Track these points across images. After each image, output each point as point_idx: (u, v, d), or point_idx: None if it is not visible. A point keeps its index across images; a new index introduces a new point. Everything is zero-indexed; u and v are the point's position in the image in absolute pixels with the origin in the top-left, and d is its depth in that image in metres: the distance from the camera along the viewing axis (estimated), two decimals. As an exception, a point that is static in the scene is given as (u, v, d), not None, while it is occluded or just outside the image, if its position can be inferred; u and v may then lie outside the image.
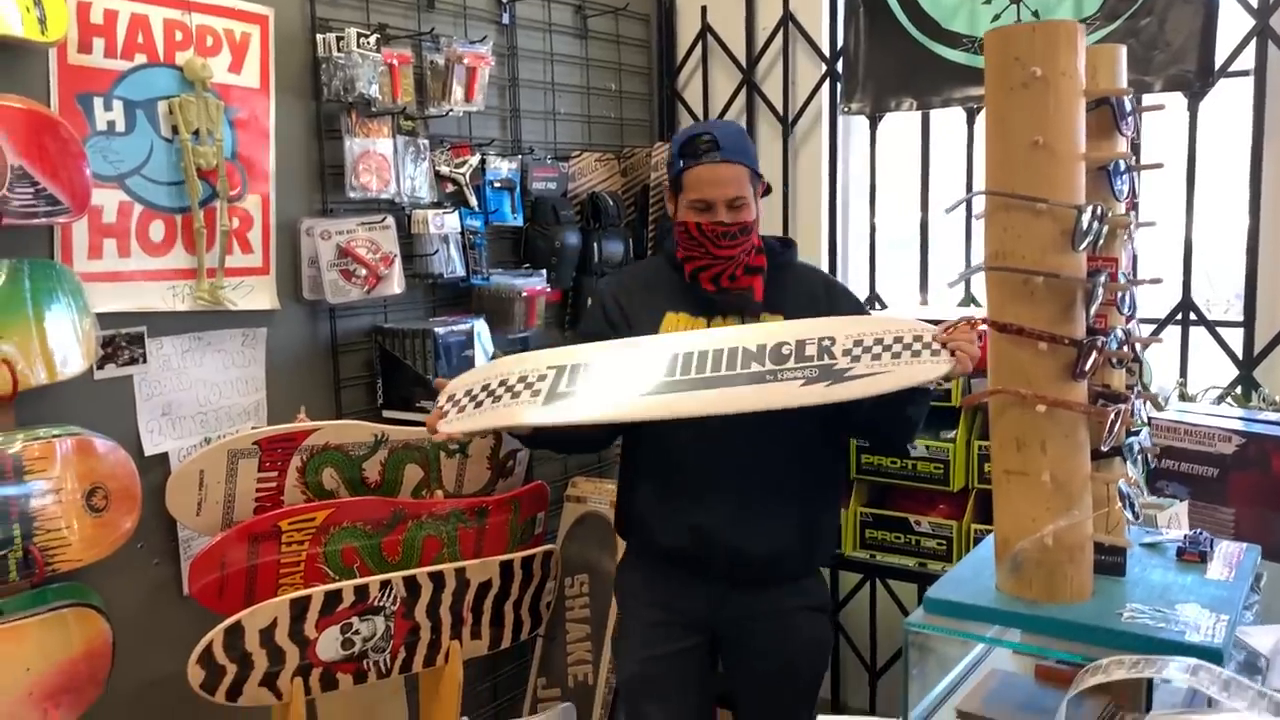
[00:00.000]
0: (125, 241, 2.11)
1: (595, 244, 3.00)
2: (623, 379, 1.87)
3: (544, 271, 2.85)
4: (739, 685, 2.17)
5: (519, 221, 2.86)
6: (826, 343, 1.81)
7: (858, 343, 1.79)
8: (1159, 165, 1.67)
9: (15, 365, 1.87)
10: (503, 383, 1.93)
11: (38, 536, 1.89)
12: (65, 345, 1.95)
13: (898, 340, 1.77)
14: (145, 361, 2.17)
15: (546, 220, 2.90)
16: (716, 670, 2.19)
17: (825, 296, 2.10)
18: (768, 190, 2.11)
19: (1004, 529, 1.54)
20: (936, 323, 1.79)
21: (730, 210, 1.98)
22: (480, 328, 2.64)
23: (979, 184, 1.55)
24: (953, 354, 1.73)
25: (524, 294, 2.75)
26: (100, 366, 2.09)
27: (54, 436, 1.92)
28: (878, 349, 1.77)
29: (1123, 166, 1.57)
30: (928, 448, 2.61)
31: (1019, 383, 1.48)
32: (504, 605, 2.41)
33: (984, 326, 1.57)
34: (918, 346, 1.75)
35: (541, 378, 1.91)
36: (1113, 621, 1.44)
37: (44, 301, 1.92)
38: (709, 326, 2.03)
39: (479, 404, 1.91)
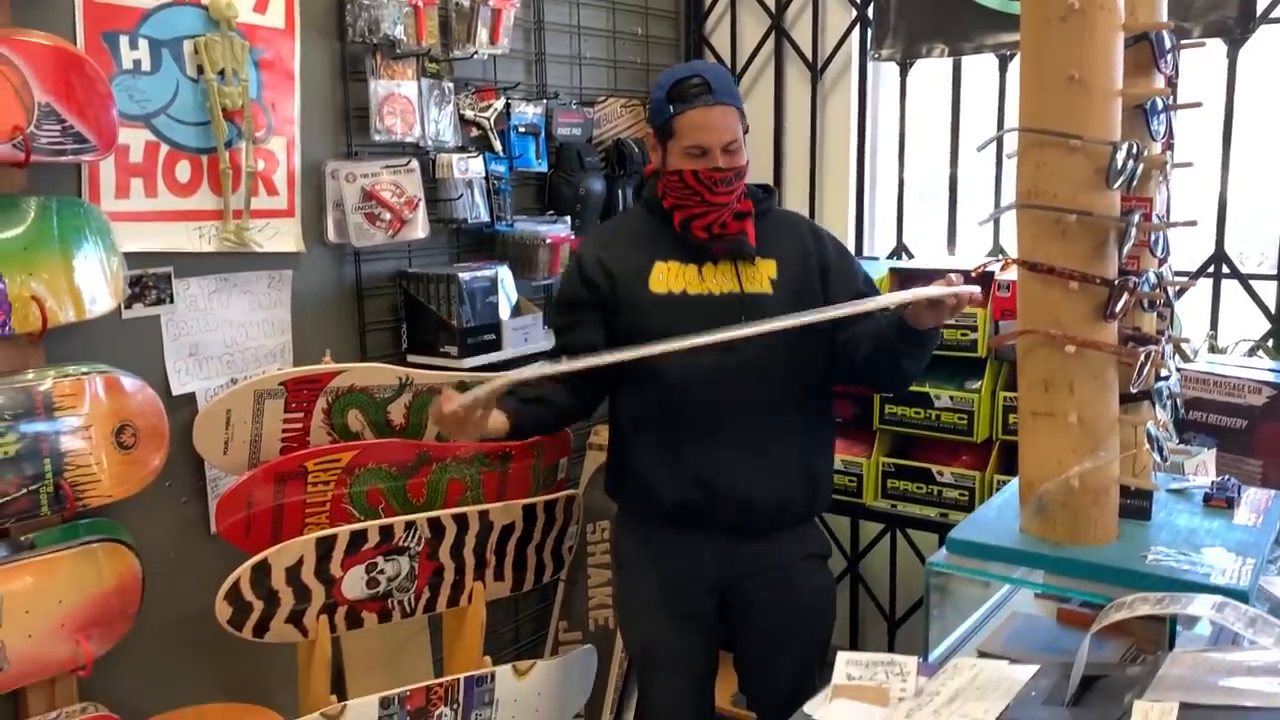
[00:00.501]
0: (152, 181, 2.12)
1: (620, 191, 2.98)
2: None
3: (568, 218, 2.84)
4: (749, 644, 2.14)
5: (543, 167, 2.85)
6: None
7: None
8: (1198, 104, 1.64)
9: (45, 302, 1.88)
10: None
11: (68, 472, 1.91)
12: (93, 284, 1.95)
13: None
14: (172, 302, 2.18)
15: (571, 166, 2.88)
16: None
17: (813, 242, 2.09)
18: (746, 130, 2.08)
19: (1029, 470, 1.53)
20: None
21: (726, 155, 1.94)
22: (504, 274, 2.64)
23: (1017, 123, 1.52)
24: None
25: (548, 241, 2.73)
26: (128, 306, 2.10)
27: (83, 374, 1.94)
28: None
29: (1160, 105, 1.54)
30: (952, 398, 2.60)
31: (1048, 323, 1.47)
32: (526, 548, 2.43)
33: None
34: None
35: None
36: (1137, 563, 1.44)
37: (72, 240, 1.93)
38: (700, 273, 2.01)
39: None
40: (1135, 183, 1.47)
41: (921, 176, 3.12)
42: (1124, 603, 1.17)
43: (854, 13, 3.08)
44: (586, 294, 2.05)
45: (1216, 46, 2.55)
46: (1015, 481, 1.62)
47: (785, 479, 2.03)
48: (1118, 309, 1.44)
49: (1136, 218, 1.45)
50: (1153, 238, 1.54)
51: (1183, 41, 1.59)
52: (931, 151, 3.07)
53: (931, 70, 3.04)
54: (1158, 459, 1.55)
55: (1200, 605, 1.11)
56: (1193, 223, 1.60)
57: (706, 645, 2.14)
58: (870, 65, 3.11)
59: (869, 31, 3.06)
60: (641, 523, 2.13)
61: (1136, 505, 1.56)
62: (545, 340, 2.68)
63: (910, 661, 1.35)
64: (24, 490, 1.86)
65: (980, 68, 2.96)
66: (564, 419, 2.14)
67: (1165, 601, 1.14)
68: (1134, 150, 1.43)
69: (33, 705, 1.94)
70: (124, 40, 2.04)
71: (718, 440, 1.99)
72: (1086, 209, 1.43)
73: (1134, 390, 1.50)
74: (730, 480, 1.99)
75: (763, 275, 2.03)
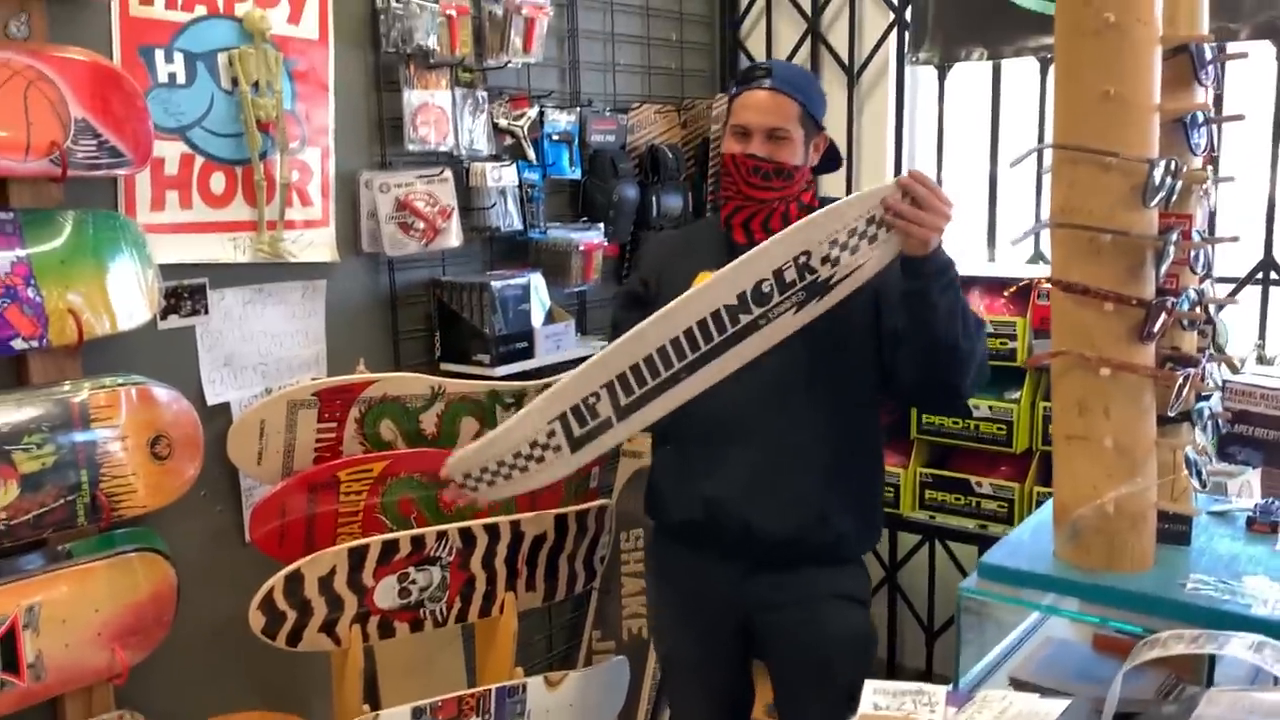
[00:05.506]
0: (187, 193, 2.14)
1: (654, 198, 2.96)
2: (622, 393, 1.77)
3: (601, 225, 2.83)
4: (775, 673, 2.07)
5: (577, 175, 2.84)
6: (803, 259, 1.66)
7: (834, 242, 1.65)
8: (1240, 117, 1.59)
9: (81, 315, 1.90)
10: (516, 456, 1.85)
11: (104, 483, 1.93)
12: (129, 296, 1.98)
13: (870, 222, 1.65)
14: (207, 313, 2.20)
15: (604, 173, 2.87)
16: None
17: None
18: (835, 159, 1.97)
19: (1064, 495, 1.50)
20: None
21: (768, 143, 1.82)
22: (537, 281, 2.64)
23: (1051, 136, 1.48)
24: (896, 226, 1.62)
25: (581, 248, 2.73)
26: (163, 317, 2.12)
27: (119, 385, 1.96)
28: (853, 240, 1.65)
29: (1200, 119, 1.50)
30: (990, 408, 2.55)
31: (1083, 344, 1.43)
32: (558, 559, 2.42)
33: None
34: (879, 224, 1.65)
35: (550, 435, 1.82)
36: (1175, 592, 1.40)
37: (108, 253, 1.95)
38: None
39: (493, 479, 1.89)
40: (1174, 199, 1.43)
41: (960, 181, 3.07)
42: (1158, 640, 1.13)
43: (891, 16, 3.04)
44: (641, 289, 2.03)
45: (1265, 49, 2.48)
46: (1050, 503, 1.58)
47: (797, 511, 1.87)
48: (1154, 330, 1.40)
49: (1175, 236, 1.41)
50: (1193, 255, 1.50)
51: (1226, 52, 1.53)
52: (970, 157, 3.02)
53: (970, 74, 2.99)
54: (1196, 484, 1.51)
55: (1237, 645, 1.08)
56: (1235, 238, 1.56)
57: (730, 660, 2.08)
58: (908, 69, 3.06)
59: (906, 35, 3.02)
60: (661, 535, 2.11)
61: (1175, 530, 1.52)
62: (578, 348, 2.67)
63: (939, 691, 1.33)
64: (61, 500, 1.88)
65: (1020, 70, 2.91)
66: None
67: (1201, 640, 1.11)
68: (1172, 167, 1.39)
69: (70, 714, 1.97)
70: (159, 54, 2.06)
71: (730, 461, 1.89)
72: (1122, 228, 1.39)
73: (1172, 413, 1.45)
74: (735, 505, 1.88)
75: None
